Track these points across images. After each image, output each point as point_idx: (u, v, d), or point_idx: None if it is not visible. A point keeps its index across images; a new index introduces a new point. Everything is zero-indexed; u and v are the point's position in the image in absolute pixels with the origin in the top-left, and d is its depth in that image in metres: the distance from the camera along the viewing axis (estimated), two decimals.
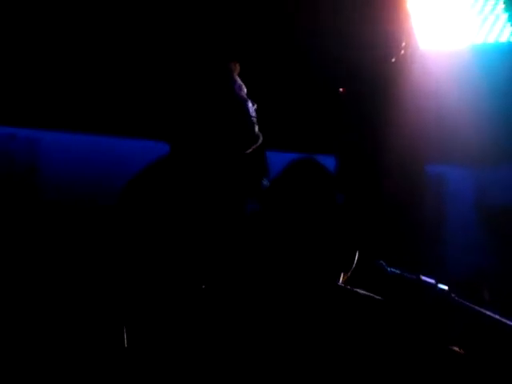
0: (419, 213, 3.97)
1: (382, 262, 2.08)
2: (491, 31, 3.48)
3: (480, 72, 3.67)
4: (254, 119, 1.98)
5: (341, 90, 3.81)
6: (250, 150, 1.98)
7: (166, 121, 1.95)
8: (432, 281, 2.07)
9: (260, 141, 1.98)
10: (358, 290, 1.95)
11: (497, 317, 2.00)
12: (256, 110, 2.00)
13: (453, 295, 2.05)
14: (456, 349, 1.87)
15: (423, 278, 2.07)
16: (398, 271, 2.08)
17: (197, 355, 1.72)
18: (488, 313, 2.01)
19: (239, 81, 1.99)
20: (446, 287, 2.07)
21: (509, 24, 3.40)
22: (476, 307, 2.02)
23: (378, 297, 1.93)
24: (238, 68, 2.01)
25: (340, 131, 4.03)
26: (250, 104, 1.98)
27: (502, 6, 3.44)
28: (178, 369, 1.73)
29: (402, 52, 3.69)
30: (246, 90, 2.00)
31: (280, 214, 1.88)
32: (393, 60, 3.62)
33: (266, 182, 1.99)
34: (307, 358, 1.76)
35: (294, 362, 1.74)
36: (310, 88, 4.04)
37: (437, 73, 3.73)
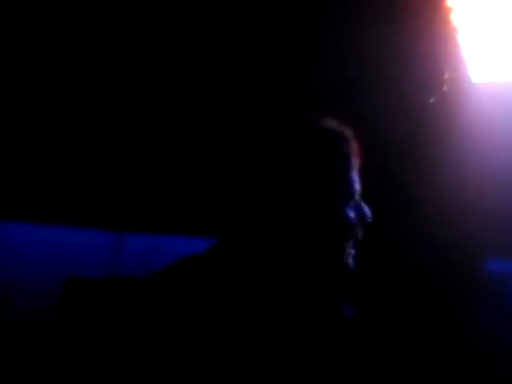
0: (474, 329, 3.08)
1: None
2: None
3: None
4: (351, 251, 1.42)
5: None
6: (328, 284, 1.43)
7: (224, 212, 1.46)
8: None
9: (349, 279, 1.44)
10: None
11: None
12: (367, 224, 1.44)
13: None
14: None
15: None
16: None
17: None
18: None
19: (354, 175, 1.43)
20: None
21: None
22: None
23: None
24: (359, 160, 1.46)
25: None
26: (351, 215, 1.41)
27: None
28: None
29: (446, 88, 2.94)
30: (358, 189, 1.44)
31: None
32: (431, 100, 2.86)
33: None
34: None
35: None
36: None
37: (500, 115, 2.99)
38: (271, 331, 1.36)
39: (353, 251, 1.42)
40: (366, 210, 1.43)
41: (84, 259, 3.58)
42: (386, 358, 1.54)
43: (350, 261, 1.43)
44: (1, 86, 3.31)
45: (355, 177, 1.43)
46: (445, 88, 3.06)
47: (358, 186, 1.44)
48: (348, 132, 1.43)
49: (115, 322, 1.40)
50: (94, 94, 3.40)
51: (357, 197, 1.43)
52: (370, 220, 1.42)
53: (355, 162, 1.42)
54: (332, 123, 1.43)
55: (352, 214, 1.41)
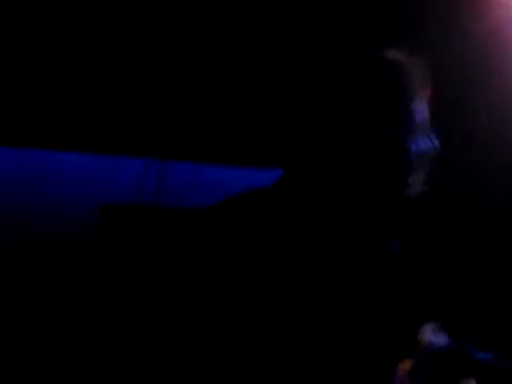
0: None
1: (467, 341, 1.52)
2: None
3: None
4: (416, 183, 1.39)
5: None
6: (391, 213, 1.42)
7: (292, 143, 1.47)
8: None
9: (411, 205, 1.42)
10: None
11: None
12: (433, 157, 1.41)
13: None
14: None
15: None
16: (492, 358, 1.52)
17: None
18: None
19: (418, 106, 1.40)
20: None
21: None
22: None
23: None
24: (427, 92, 1.43)
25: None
26: (414, 147, 1.40)
27: None
28: None
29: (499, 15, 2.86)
30: (427, 127, 1.42)
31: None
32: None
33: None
34: None
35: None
36: None
37: None
38: (329, 263, 1.37)
39: (419, 183, 1.40)
40: (433, 141, 1.42)
41: (121, 188, 3.54)
42: (431, 295, 1.53)
43: (413, 193, 1.40)
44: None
45: (420, 107, 1.40)
46: (497, 15, 3.00)
47: (423, 117, 1.41)
48: (411, 62, 1.41)
49: (168, 252, 1.39)
50: (117, 12, 3.34)
51: (423, 128, 1.41)
52: (436, 152, 1.41)
53: (420, 93, 1.40)
54: (396, 54, 1.41)
55: (416, 146, 1.39)
